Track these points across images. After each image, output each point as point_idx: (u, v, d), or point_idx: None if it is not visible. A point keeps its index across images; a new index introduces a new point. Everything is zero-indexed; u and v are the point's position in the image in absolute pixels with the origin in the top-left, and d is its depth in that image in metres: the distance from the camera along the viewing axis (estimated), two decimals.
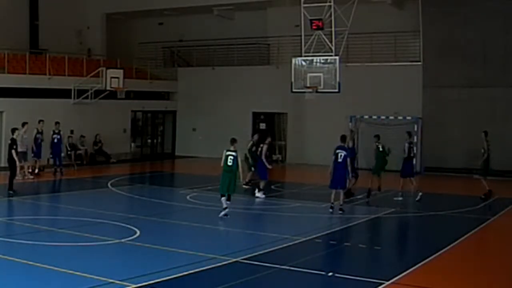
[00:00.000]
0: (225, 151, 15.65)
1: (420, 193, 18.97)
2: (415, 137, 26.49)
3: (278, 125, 31.72)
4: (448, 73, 26.82)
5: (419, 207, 18.08)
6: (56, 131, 23.62)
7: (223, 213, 15.48)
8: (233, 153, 15.52)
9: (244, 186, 20.08)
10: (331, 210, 16.49)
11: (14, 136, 19.11)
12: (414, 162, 20.12)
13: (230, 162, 15.46)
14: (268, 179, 19.73)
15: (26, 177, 21.71)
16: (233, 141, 15.67)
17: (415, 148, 20.53)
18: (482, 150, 19.18)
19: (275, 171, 22.85)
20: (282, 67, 27.62)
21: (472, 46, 26.34)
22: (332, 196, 16.58)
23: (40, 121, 22.75)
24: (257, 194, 19.22)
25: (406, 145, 19.35)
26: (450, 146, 26.75)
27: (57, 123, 23.76)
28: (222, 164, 15.62)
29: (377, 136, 20.02)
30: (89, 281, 9.57)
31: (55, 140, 23.56)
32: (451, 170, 26.43)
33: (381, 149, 19.67)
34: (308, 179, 20.56)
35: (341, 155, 16.43)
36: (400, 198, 19.00)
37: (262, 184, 19.38)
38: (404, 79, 27.59)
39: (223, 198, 15.63)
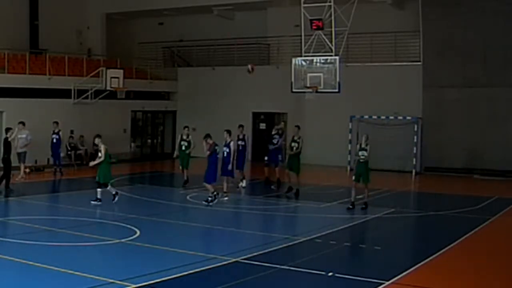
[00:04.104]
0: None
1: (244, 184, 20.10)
2: (415, 137, 26.65)
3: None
4: (448, 73, 26.79)
5: (419, 207, 18.07)
6: (56, 131, 23.61)
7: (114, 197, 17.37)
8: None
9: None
10: (226, 198, 17.87)
11: (8, 135, 19.06)
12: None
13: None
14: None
15: (22, 178, 21.64)
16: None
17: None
18: (296, 144, 19.44)
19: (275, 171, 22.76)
20: (282, 67, 27.59)
21: (472, 46, 26.30)
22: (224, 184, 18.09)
23: None
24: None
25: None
26: (450, 146, 26.73)
27: (55, 123, 23.73)
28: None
29: (297, 127, 20.72)
30: (89, 281, 9.57)
31: (54, 140, 23.54)
32: (451, 170, 26.43)
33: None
34: (308, 179, 20.53)
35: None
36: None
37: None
38: (404, 79, 27.56)
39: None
